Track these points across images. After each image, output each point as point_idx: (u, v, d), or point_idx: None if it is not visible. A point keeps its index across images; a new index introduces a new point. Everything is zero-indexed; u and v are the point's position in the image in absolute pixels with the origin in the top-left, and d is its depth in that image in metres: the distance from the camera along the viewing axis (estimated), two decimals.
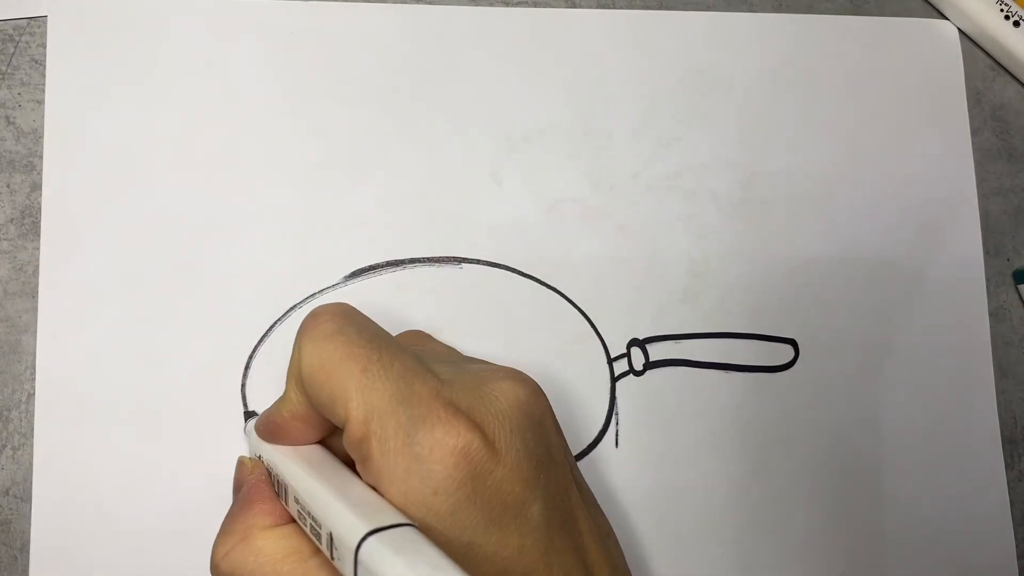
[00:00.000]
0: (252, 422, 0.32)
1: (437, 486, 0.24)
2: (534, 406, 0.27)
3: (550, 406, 0.28)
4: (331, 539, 0.24)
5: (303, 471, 0.28)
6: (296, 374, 0.27)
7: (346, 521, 0.24)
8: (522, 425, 0.26)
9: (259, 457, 0.31)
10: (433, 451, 0.24)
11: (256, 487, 0.29)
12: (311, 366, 0.26)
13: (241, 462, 0.31)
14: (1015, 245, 0.41)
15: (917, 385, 0.39)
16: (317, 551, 0.26)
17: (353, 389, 0.25)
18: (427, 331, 0.37)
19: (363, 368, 0.25)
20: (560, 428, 0.29)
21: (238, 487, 0.30)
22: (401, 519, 0.23)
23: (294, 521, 0.28)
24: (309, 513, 0.26)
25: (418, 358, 0.27)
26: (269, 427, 0.29)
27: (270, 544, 0.27)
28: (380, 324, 0.37)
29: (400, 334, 0.35)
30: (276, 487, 0.29)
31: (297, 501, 0.27)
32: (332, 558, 0.24)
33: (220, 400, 0.35)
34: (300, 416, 0.28)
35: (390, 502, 0.25)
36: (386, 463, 0.25)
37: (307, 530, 0.26)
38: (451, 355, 0.33)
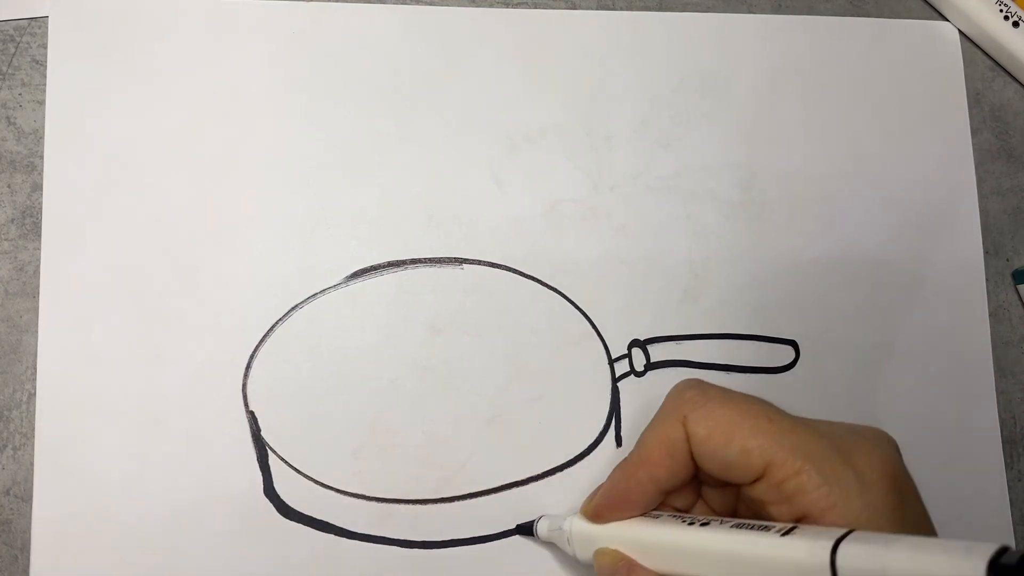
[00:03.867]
0: (564, 520, 0.33)
1: (879, 506, 0.27)
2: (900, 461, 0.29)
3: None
4: (790, 529, 0.26)
5: (673, 525, 0.29)
6: (674, 438, 0.29)
7: (791, 545, 0.25)
8: (893, 445, 0.29)
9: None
10: (867, 476, 0.27)
11: (628, 564, 0.30)
12: (713, 426, 0.28)
13: (601, 552, 0.31)
14: (1015, 245, 0.42)
15: (917, 385, 0.39)
16: None
17: (771, 437, 0.28)
18: (428, 331, 0.37)
19: (769, 419, 0.28)
20: None
21: (609, 574, 0.31)
22: (840, 531, 0.25)
23: None
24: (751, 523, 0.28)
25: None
26: (616, 498, 0.31)
27: None
28: (380, 325, 0.37)
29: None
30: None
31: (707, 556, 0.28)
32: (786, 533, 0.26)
33: (220, 400, 0.35)
34: (661, 481, 0.30)
35: (831, 523, 0.26)
36: (822, 493, 0.27)
37: (743, 532, 0.27)
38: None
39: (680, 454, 0.29)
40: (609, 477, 0.31)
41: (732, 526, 0.28)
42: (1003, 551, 0.21)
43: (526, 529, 0.35)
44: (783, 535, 0.26)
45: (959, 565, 0.21)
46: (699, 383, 0.30)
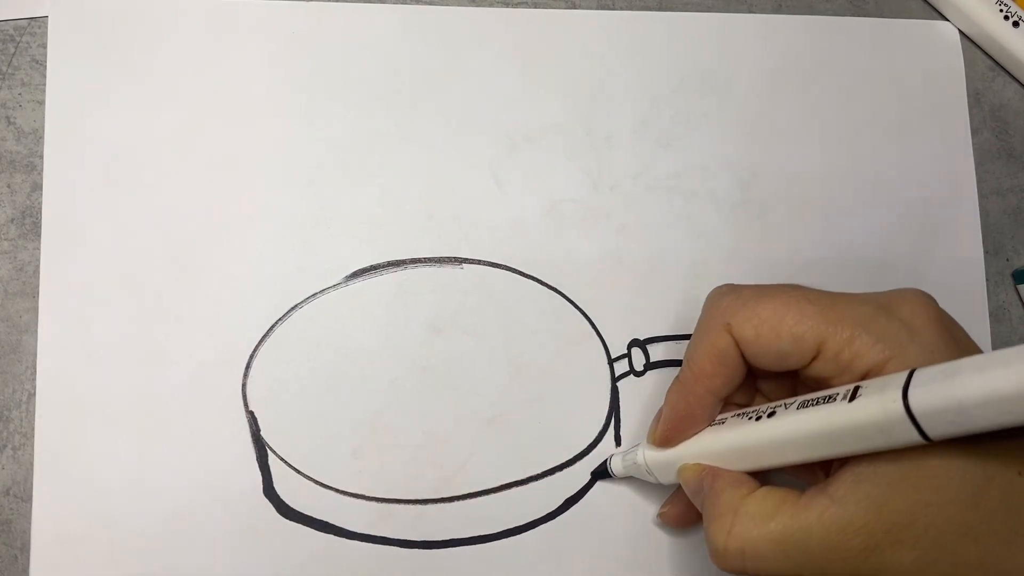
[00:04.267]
0: (637, 453, 0.34)
1: (933, 346, 0.27)
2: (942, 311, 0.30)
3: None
4: (854, 391, 0.26)
5: (756, 426, 0.29)
6: (722, 346, 0.30)
7: (862, 407, 0.26)
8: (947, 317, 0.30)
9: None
10: (915, 321, 0.28)
11: (714, 474, 0.30)
12: (758, 323, 0.29)
13: (683, 468, 0.32)
14: (1015, 245, 0.42)
15: None
16: (798, 500, 0.27)
17: (813, 317, 0.28)
18: (428, 331, 0.37)
19: (809, 300, 0.29)
20: None
21: (695, 491, 0.31)
22: (902, 376, 0.25)
23: (758, 488, 0.29)
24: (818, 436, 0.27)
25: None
26: (680, 420, 0.32)
27: (759, 504, 0.28)
28: (380, 325, 0.37)
29: None
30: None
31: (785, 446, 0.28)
32: (853, 398, 0.26)
33: (220, 400, 0.35)
34: (718, 389, 0.31)
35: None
36: (879, 349, 0.27)
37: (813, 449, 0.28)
38: None
39: (732, 360, 0.30)
40: (667, 401, 0.32)
41: (798, 406, 0.28)
42: None
43: (601, 473, 0.36)
44: (850, 400, 0.26)
45: None
46: (731, 288, 0.31)
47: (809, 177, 0.41)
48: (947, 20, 0.43)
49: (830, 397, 0.27)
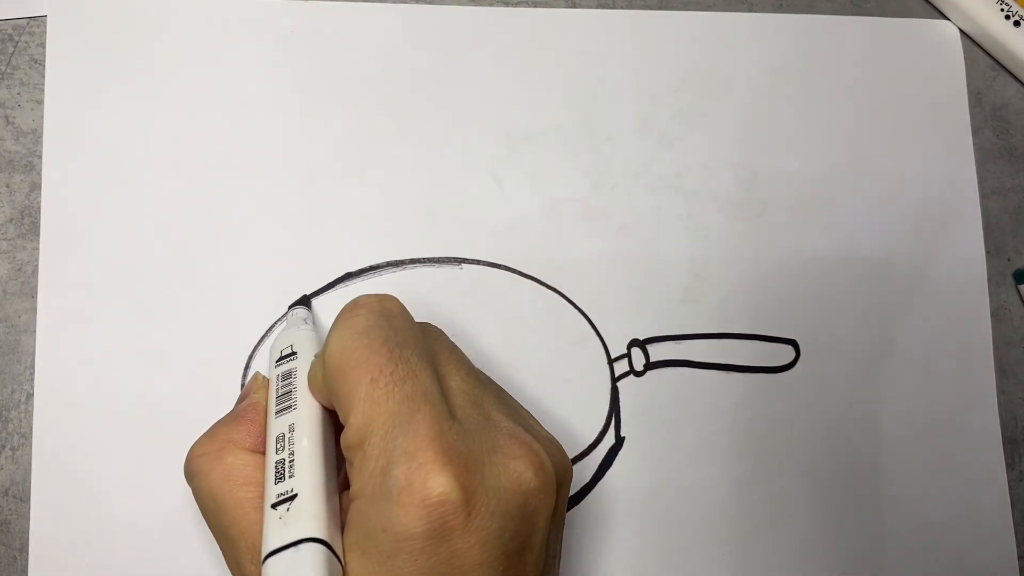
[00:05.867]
0: (303, 312, 0.33)
1: (388, 526, 0.23)
2: (534, 499, 0.25)
3: (555, 508, 0.26)
4: (290, 498, 0.25)
5: (321, 416, 0.28)
6: (322, 355, 0.27)
7: (311, 505, 0.25)
8: (508, 512, 0.24)
9: (280, 360, 0.30)
10: (402, 494, 0.23)
11: (251, 407, 0.30)
12: (331, 357, 0.26)
13: (254, 377, 0.31)
14: (1016, 245, 0.41)
15: (918, 385, 0.39)
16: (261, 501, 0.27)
17: (357, 397, 0.25)
18: None
19: (373, 378, 0.25)
20: (557, 535, 0.27)
21: (241, 399, 0.31)
22: (317, 533, 0.24)
23: (259, 456, 0.28)
24: (291, 453, 0.27)
25: (437, 386, 0.26)
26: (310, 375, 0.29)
27: (238, 465, 0.27)
28: None
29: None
30: (277, 400, 0.29)
31: (291, 429, 0.27)
32: (274, 506, 0.25)
33: (220, 400, 0.35)
34: (317, 388, 0.28)
35: (344, 515, 0.25)
36: (360, 481, 0.24)
37: (273, 460, 0.27)
38: (498, 399, 0.28)
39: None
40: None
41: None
42: None
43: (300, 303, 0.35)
44: (276, 499, 0.25)
45: None
46: (366, 301, 0.27)
47: (809, 177, 0.41)
48: (948, 19, 0.43)
49: (279, 475, 0.26)
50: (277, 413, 0.28)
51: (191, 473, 0.28)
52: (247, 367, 0.36)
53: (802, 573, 0.37)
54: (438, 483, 0.23)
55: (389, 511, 0.23)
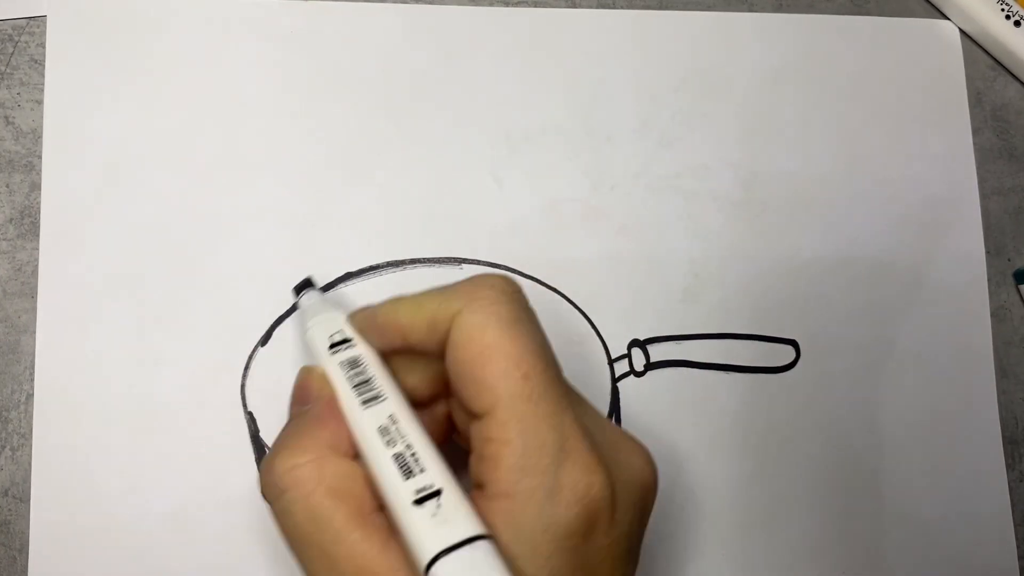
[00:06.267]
0: (316, 292, 0.31)
1: (551, 526, 0.23)
2: (651, 494, 0.26)
3: (655, 498, 0.27)
4: (435, 494, 0.23)
5: (405, 399, 0.26)
6: (437, 322, 0.26)
7: (468, 498, 0.23)
8: (635, 506, 0.25)
9: (333, 349, 0.28)
10: (565, 492, 0.23)
11: (331, 405, 0.27)
12: (470, 339, 0.25)
13: (309, 371, 0.28)
14: (1016, 245, 0.41)
15: (918, 385, 0.39)
16: (373, 514, 0.25)
17: (507, 391, 0.24)
18: None
19: (525, 374, 0.24)
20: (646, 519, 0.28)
21: (302, 399, 0.28)
22: (482, 529, 0.23)
23: (356, 459, 0.26)
24: (408, 445, 0.24)
25: (569, 386, 0.26)
26: (380, 321, 0.27)
27: (339, 478, 0.25)
28: None
29: None
30: (358, 393, 0.27)
31: (393, 420, 0.25)
32: (420, 503, 0.23)
33: (218, 400, 0.35)
34: (416, 342, 0.27)
35: (483, 513, 0.24)
36: (512, 478, 0.24)
37: (390, 453, 0.24)
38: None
39: (438, 335, 0.26)
40: (387, 303, 0.28)
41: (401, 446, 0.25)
42: None
43: (301, 288, 0.33)
44: (419, 495, 0.23)
45: None
46: (503, 286, 0.26)
47: (809, 177, 0.41)
48: (948, 19, 0.43)
49: (408, 471, 0.24)
50: (365, 404, 0.26)
51: (282, 489, 0.25)
52: (246, 367, 0.36)
53: (802, 573, 0.37)
54: (597, 481, 0.24)
55: (552, 511, 0.23)
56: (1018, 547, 0.39)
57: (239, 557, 0.34)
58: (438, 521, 0.22)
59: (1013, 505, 0.39)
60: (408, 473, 0.24)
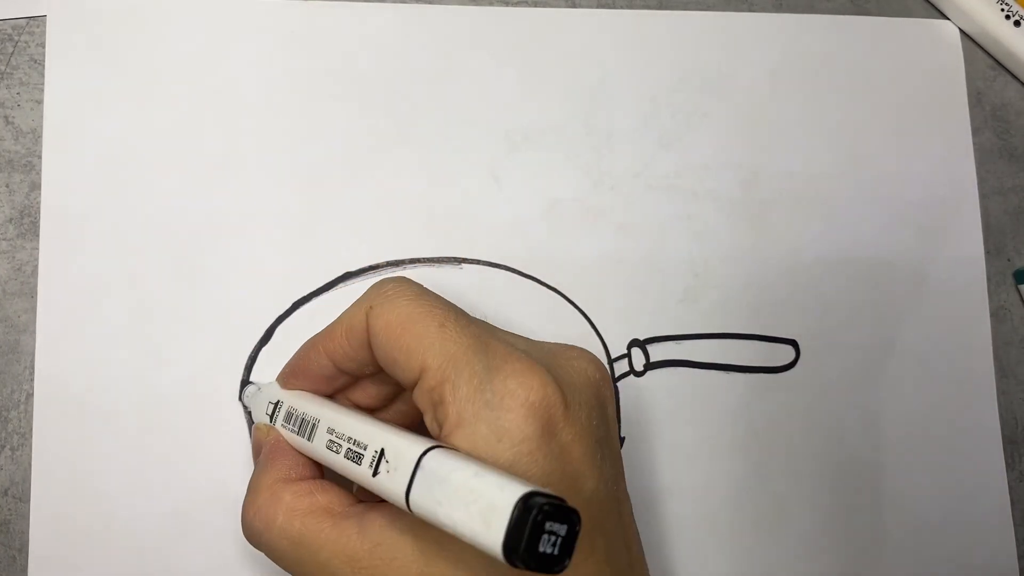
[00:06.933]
0: (256, 385, 0.34)
1: (503, 434, 0.24)
2: (603, 388, 0.28)
3: (613, 395, 0.29)
4: (380, 455, 0.25)
5: (337, 406, 0.29)
6: (356, 324, 0.28)
7: (405, 438, 0.24)
8: (590, 402, 0.27)
9: (272, 415, 0.31)
10: (504, 400, 0.25)
11: (276, 446, 0.30)
12: (388, 321, 0.27)
13: (257, 427, 0.31)
14: (1016, 245, 0.41)
15: (918, 385, 0.39)
16: (335, 511, 0.27)
17: (430, 342, 0.26)
18: None
19: (440, 323, 0.26)
20: (616, 419, 0.29)
21: (257, 451, 0.31)
22: (420, 450, 0.24)
23: (315, 478, 0.28)
24: (349, 438, 0.26)
25: (492, 325, 0.28)
26: (297, 365, 0.30)
27: (296, 498, 0.27)
28: None
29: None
30: (299, 431, 0.29)
31: (331, 432, 0.27)
32: (375, 473, 0.25)
33: (219, 400, 0.35)
34: (338, 359, 0.29)
35: (453, 445, 0.25)
36: (456, 408, 0.25)
37: (341, 455, 0.26)
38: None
39: (357, 339, 0.28)
40: (299, 348, 0.31)
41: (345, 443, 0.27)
42: (532, 495, 0.20)
43: (243, 385, 0.35)
44: (373, 473, 0.25)
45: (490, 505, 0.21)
46: (402, 280, 0.29)
47: (809, 176, 0.41)
48: (948, 19, 0.43)
49: (358, 456, 0.26)
50: (308, 438, 0.29)
51: (257, 531, 0.28)
52: (247, 367, 0.36)
53: (802, 573, 0.37)
54: (534, 383, 0.25)
55: (499, 420, 0.24)
56: (1018, 547, 0.39)
57: (238, 557, 0.34)
58: (394, 473, 0.24)
59: (1013, 505, 0.39)
60: (359, 459, 0.26)
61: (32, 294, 0.35)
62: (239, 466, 0.35)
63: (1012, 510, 0.39)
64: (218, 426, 0.35)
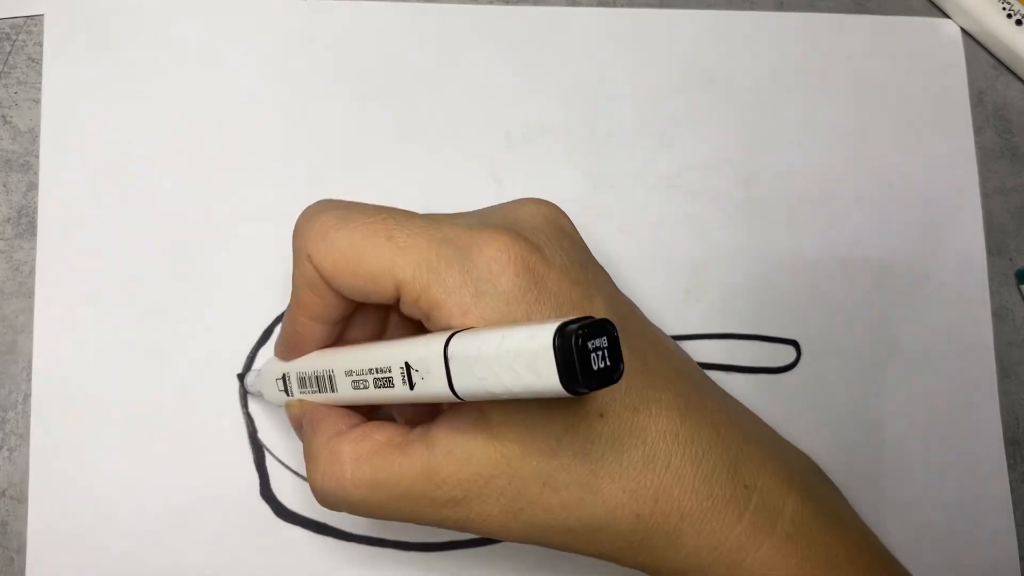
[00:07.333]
0: (255, 371, 0.34)
1: (508, 296, 0.25)
2: (562, 220, 0.29)
3: (570, 220, 0.29)
4: (407, 369, 0.25)
5: (339, 349, 0.29)
6: (309, 276, 0.27)
7: (421, 342, 0.24)
8: (556, 236, 0.27)
9: (286, 389, 0.31)
10: (491, 267, 0.25)
11: (314, 411, 0.29)
12: (335, 261, 0.26)
13: (289, 406, 0.31)
14: (1018, 245, 0.41)
15: (919, 386, 0.39)
16: (397, 442, 0.27)
17: (390, 257, 0.26)
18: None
19: (388, 236, 0.26)
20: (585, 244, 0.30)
21: (299, 426, 0.31)
22: (443, 339, 0.24)
23: (363, 423, 0.28)
24: (370, 369, 0.26)
25: (431, 214, 0.28)
26: (290, 342, 0.30)
27: (355, 446, 0.27)
28: None
29: None
30: (319, 389, 0.29)
31: (349, 373, 0.27)
32: (412, 386, 0.25)
33: (217, 401, 0.35)
34: (320, 316, 0.29)
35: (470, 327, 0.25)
36: (454, 299, 0.25)
37: (371, 388, 0.26)
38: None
39: (323, 289, 0.28)
40: (281, 322, 0.31)
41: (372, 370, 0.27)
42: (562, 326, 0.21)
43: (242, 378, 0.35)
44: (410, 388, 0.25)
45: (533, 340, 0.21)
46: (317, 211, 0.28)
47: (810, 176, 0.40)
48: (949, 18, 0.43)
49: (388, 380, 0.26)
50: (331, 390, 0.29)
51: (330, 492, 0.27)
52: (247, 367, 0.35)
53: None
54: (507, 241, 0.25)
55: (496, 287, 0.25)
56: (1020, 548, 0.38)
57: (235, 558, 0.34)
58: (429, 377, 0.24)
59: (1014, 506, 0.39)
60: (389, 382, 0.26)
61: (29, 294, 0.35)
62: (237, 466, 0.35)
63: (1014, 511, 0.39)
64: (217, 426, 0.35)
